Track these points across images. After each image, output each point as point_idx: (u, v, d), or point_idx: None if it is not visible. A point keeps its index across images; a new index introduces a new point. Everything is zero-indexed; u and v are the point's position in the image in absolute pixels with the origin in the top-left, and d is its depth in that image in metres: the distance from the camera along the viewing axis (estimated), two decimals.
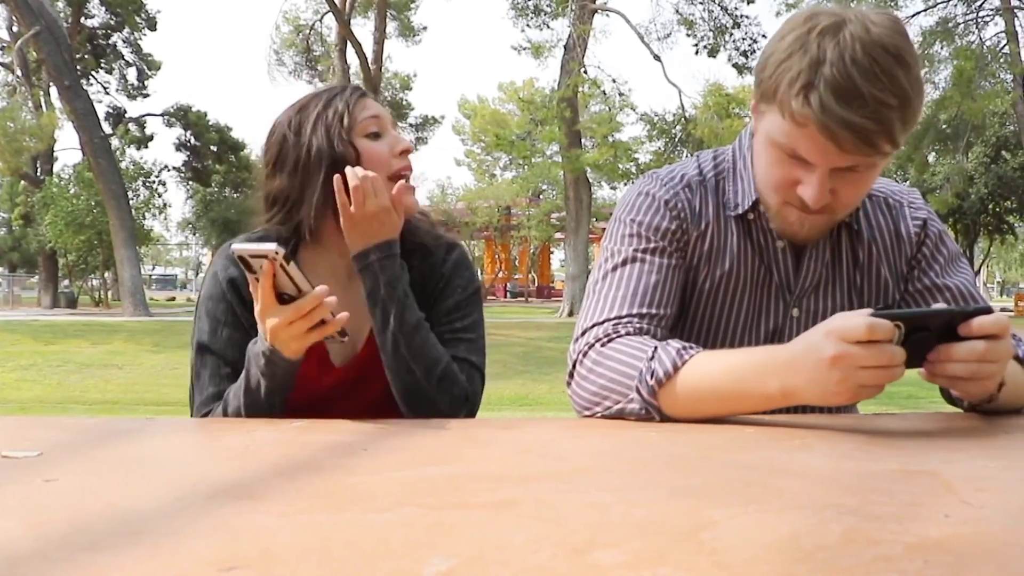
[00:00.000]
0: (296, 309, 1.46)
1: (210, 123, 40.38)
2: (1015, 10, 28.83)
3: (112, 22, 40.36)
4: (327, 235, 1.80)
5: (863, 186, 1.57)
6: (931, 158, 36.35)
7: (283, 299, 1.47)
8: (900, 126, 1.42)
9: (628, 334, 1.58)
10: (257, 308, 1.50)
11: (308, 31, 38.06)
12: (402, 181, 1.76)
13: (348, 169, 1.66)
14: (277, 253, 1.40)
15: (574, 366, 1.60)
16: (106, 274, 38.13)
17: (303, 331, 1.49)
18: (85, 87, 30.39)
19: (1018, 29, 28.68)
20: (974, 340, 1.33)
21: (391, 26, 36.52)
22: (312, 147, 1.73)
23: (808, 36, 1.43)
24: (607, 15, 31.34)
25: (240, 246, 1.43)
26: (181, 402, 11.31)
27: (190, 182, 43.52)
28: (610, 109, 32.77)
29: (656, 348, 1.49)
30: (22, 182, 38.04)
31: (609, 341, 1.57)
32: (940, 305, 1.54)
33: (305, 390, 1.70)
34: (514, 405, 11.49)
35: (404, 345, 1.67)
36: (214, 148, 40.71)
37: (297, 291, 1.46)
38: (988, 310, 1.35)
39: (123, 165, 34.55)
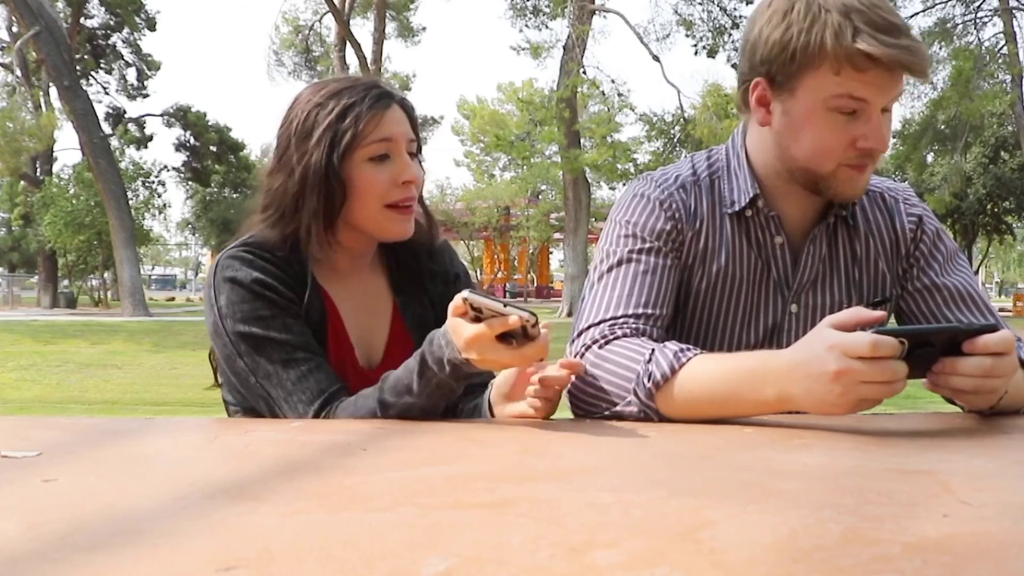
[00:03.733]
0: (522, 358, 1.42)
1: (209, 123, 40.38)
2: (1013, 11, 28.84)
3: (112, 22, 40.33)
4: (321, 246, 1.75)
5: (890, 126, 1.65)
6: (929, 158, 36.38)
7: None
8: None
9: (625, 335, 1.58)
10: (468, 337, 1.39)
11: (307, 31, 38.07)
12: (395, 211, 1.74)
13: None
14: (528, 321, 1.36)
15: None
16: (105, 274, 38.10)
17: (515, 369, 1.48)
18: (84, 87, 30.39)
19: (1016, 30, 28.71)
20: (980, 356, 1.33)
21: (390, 26, 36.52)
22: (312, 161, 1.68)
23: (815, 0, 1.53)
24: (605, 16, 31.35)
25: (483, 300, 1.36)
26: (181, 402, 11.31)
27: (189, 182, 43.55)
28: (609, 109, 32.74)
29: (653, 350, 1.50)
30: (22, 182, 38.05)
31: (606, 343, 1.57)
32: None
33: None
34: None
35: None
36: (213, 148, 40.73)
37: (522, 335, 1.40)
38: (994, 328, 1.35)
39: (123, 165, 34.55)
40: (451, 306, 1.44)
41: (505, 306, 1.35)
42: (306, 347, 1.66)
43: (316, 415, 1.61)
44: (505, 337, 1.40)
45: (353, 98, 1.70)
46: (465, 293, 1.37)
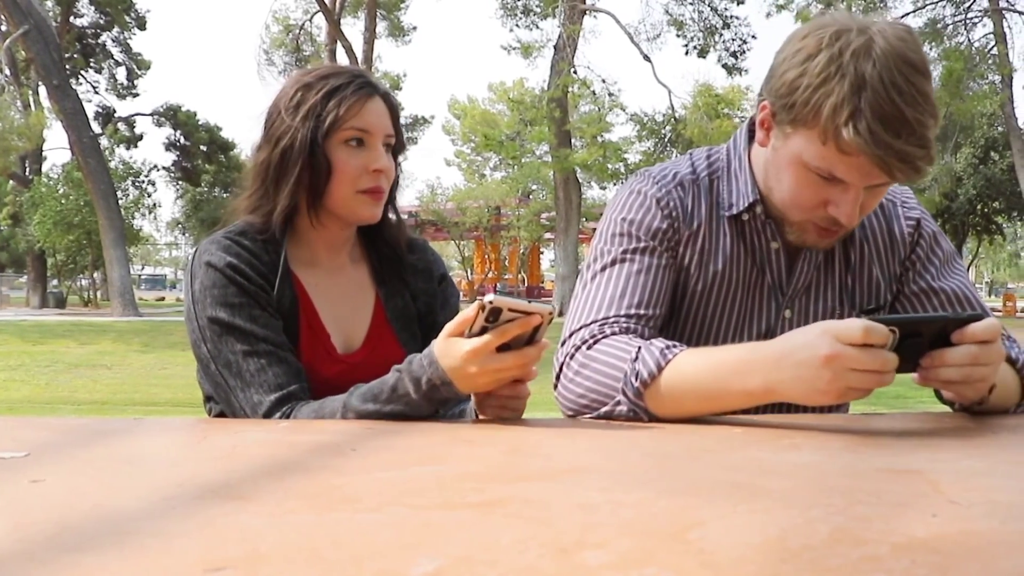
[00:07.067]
0: (524, 358, 1.41)
1: (200, 123, 40.28)
2: (1003, 12, 28.95)
3: (101, 21, 40.24)
4: (302, 228, 1.82)
5: (881, 197, 1.60)
6: None
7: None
8: (934, 143, 1.45)
9: (614, 334, 1.58)
10: (469, 350, 1.40)
11: (298, 31, 37.99)
12: (365, 195, 1.77)
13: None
14: (552, 312, 1.38)
15: (561, 369, 1.60)
16: (95, 274, 37.97)
17: (507, 378, 1.46)
18: (74, 86, 30.29)
19: (1006, 31, 28.83)
20: (967, 345, 1.33)
21: (381, 26, 36.50)
22: (298, 136, 1.73)
23: (841, 58, 1.43)
24: (596, 16, 31.36)
25: (508, 300, 1.35)
26: (170, 402, 11.27)
27: (180, 182, 43.44)
28: (600, 109, 32.79)
29: (640, 348, 1.49)
30: (10, 182, 37.92)
31: (595, 343, 1.57)
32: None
33: (312, 376, 1.71)
34: None
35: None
36: (204, 148, 40.61)
37: (526, 340, 1.41)
38: (979, 317, 1.36)
39: (112, 165, 34.52)
40: (452, 323, 1.43)
41: (530, 302, 1.36)
42: (269, 339, 1.68)
43: (271, 410, 1.62)
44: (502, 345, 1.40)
45: (340, 82, 1.76)
46: (490, 296, 1.35)
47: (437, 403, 1.50)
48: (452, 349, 1.42)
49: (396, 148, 1.84)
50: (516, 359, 1.41)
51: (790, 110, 1.51)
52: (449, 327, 1.44)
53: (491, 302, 1.34)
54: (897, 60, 1.41)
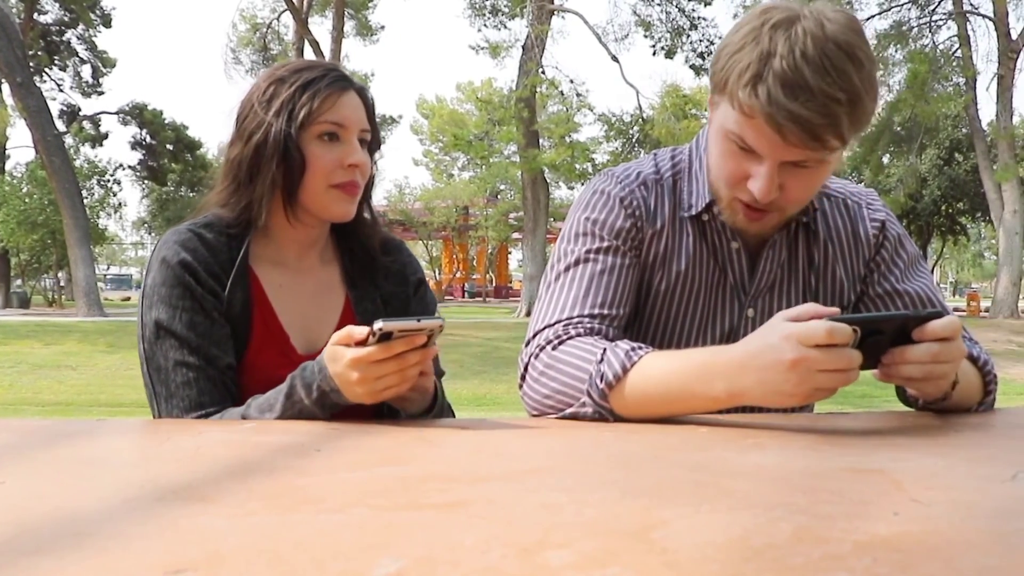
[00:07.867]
0: (400, 363, 1.41)
1: (166, 121, 39.90)
2: (967, 15, 29.23)
3: (66, 18, 39.78)
4: (274, 226, 1.80)
5: (812, 183, 1.57)
6: (885, 160, 36.74)
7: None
8: (848, 122, 1.43)
9: (579, 335, 1.58)
10: (351, 357, 1.41)
11: (265, 29, 37.76)
12: (339, 190, 1.75)
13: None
14: (442, 325, 1.39)
15: (526, 369, 1.60)
16: (60, 274, 37.65)
17: (388, 387, 1.45)
18: (38, 84, 29.95)
19: (970, 33, 29.12)
20: (928, 343, 1.34)
21: (349, 25, 36.31)
22: (271, 130, 1.70)
23: (761, 29, 1.44)
24: (564, 16, 31.40)
25: (398, 323, 1.36)
26: (136, 403, 11.20)
27: (145, 181, 43.08)
28: (568, 109, 32.86)
29: (605, 350, 1.49)
30: None
31: (560, 343, 1.57)
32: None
33: (266, 377, 1.68)
34: (471, 405, 11.47)
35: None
36: (170, 147, 40.23)
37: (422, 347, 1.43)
38: (940, 314, 1.37)
39: (77, 163, 34.24)
40: (340, 332, 1.44)
41: (419, 320, 1.37)
42: (202, 351, 1.66)
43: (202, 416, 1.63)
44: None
45: (313, 75, 1.74)
46: (379, 323, 1.35)
47: (330, 409, 1.50)
48: (338, 354, 1.44)
49: (372, 145, 1.82)
50: (396, 366, 1.41)
51: (713, 78, 1.54)
52: (338, 335, 1.44)
53: (380, 328, 1.35)
54: (818, 36, 1.41)
